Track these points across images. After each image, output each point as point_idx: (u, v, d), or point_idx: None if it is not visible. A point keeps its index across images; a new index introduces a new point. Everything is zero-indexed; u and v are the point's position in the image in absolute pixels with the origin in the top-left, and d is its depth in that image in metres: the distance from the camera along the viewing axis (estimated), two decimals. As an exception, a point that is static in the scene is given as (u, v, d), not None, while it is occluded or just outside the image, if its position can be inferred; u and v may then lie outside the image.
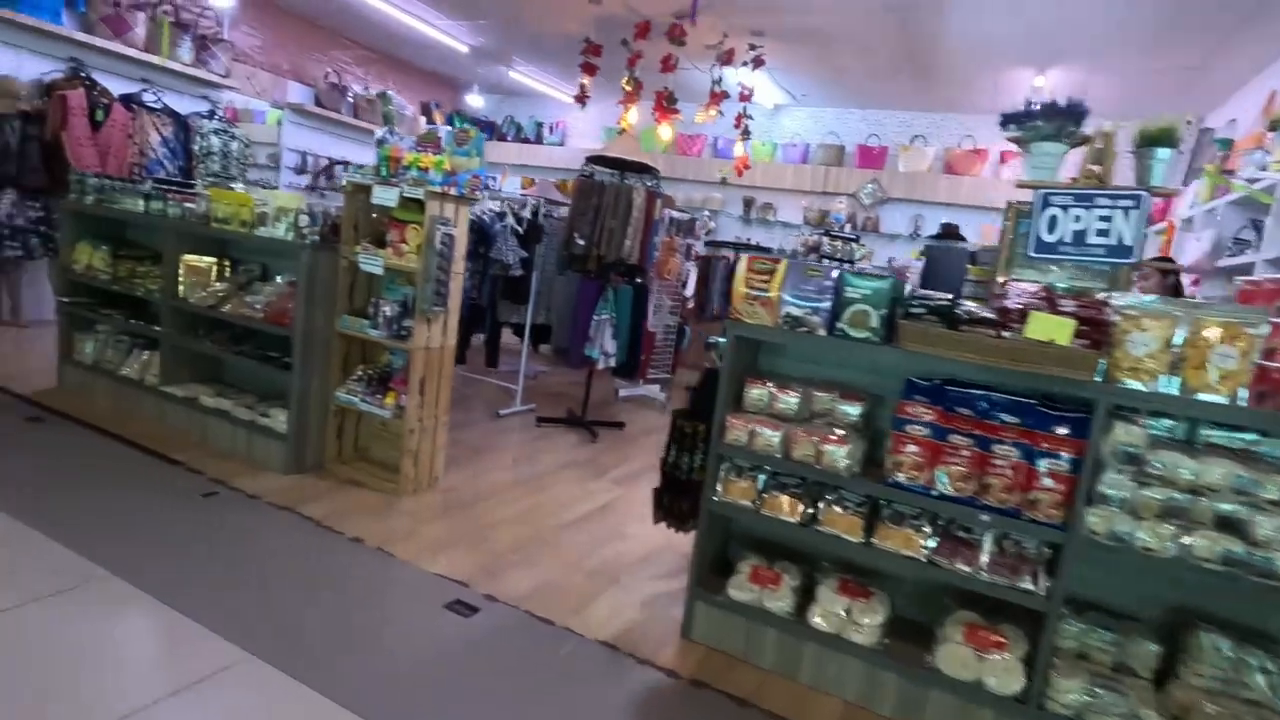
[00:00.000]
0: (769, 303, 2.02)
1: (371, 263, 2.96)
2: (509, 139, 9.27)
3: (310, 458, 3.16)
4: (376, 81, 8.00)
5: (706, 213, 7.82)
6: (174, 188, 3.52)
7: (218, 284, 3.33)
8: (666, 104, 5.33)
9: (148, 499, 2.66)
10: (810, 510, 2.04)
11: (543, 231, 4.66)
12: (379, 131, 3.02)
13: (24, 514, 2.36)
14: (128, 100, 5.42)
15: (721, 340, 2.16)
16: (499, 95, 9.36)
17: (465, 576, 2.42)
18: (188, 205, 3.32)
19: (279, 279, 3.33)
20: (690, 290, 5.62)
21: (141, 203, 3.45)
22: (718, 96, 5.50)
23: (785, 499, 2.06)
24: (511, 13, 5.94)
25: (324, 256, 3.01)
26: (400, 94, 8.41)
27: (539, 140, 9.12)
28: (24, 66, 5.02)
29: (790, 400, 2.08)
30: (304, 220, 2.95)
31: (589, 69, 5.45)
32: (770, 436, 2.02)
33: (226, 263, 3.43)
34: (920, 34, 5.13)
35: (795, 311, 1.98)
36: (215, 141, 6.05)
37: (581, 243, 4.16)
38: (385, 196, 2.90)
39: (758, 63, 5.48)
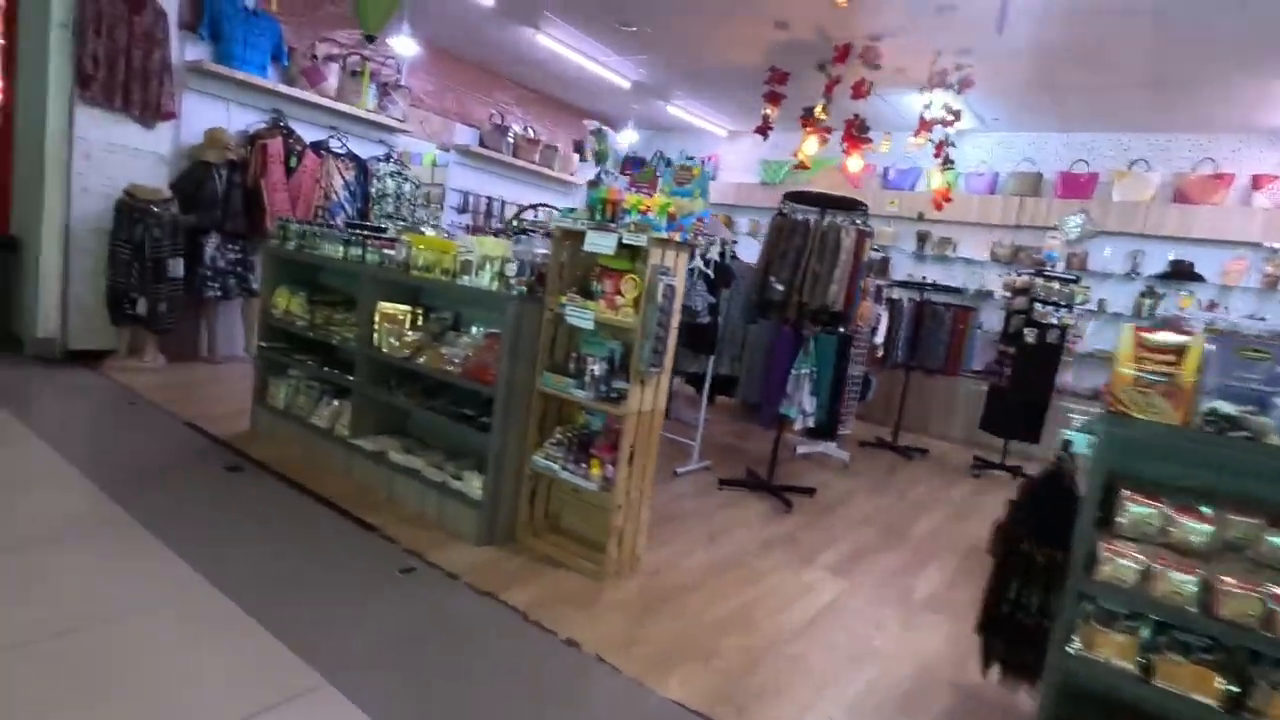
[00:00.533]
0: (1178, 393, 1.45)
1: (580, 316, 2.65)
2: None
3: (503, 527, 2.86)
4: (535, 121, 8.05)
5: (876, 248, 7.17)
6: (369, 232, 3.43)
7: (412, 333, 3.16)
8: (857, 133, 4.82)
9: (347, 575, 2.44)
10: (1236, 690, 1.43)
11: (732, 275, 4.27)
12: (593, 170, 2.73)
13: (240, 595, 2.17)
14: (317, 146, 5.63)
15: (1081, 436, 1.61)
16: (650, 130, 9.22)
17: (707, 707, 1.97)
18: (386, 252, 3.19)
19: (474, 330, 3.11)
20: (880, 337, 5.02)
21: (340, 248, 3.37)
22: (928, 123, 4.93)
23: (1192, 669, 1.46)
24: (687, 45, 5.69)
25: (529, 308, 2.74)
26: (554, 132, 8.45)
27: (689, 175, 8.85)
28: (232, 118, 5.31)
29: (1200, 529, 1.49)
30: (511, 269, 2.69)
31: (774, 99, 5.06)
32: (1181, 582, 1.44)
33: (419, 310, 3.27)
34: (1178, 39, 4.33)
35: (1228, 410, 1.40)
36: (390, 184, 6.19)
37: (780, 288, 3.71)
38: (601, 243, 2.58)
39: (965, 84, 4.87)
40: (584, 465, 2.70)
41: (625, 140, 8.36)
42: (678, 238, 2.51)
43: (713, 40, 5.48)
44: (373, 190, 6.08)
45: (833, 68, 4.62)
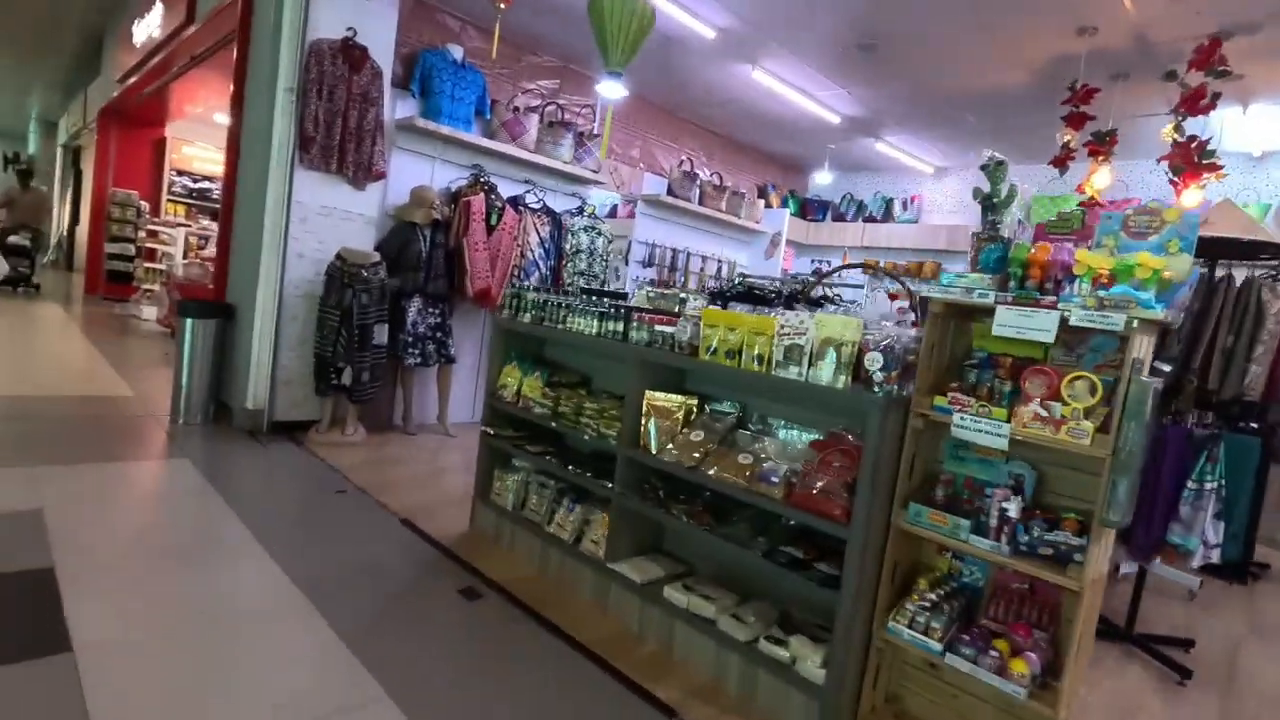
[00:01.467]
0: None
1: (986, 432, 1.81)
2: (848, 218, 8.20)
3: (844, 716, 2.02)
4: (718, 166, 7.47)
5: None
6: (622, 302, 2.80)
7: (691, 433, 2.45)
8: (1200, 159, 3.71)
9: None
10: None
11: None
12: (1006, 217, 1.92)
13: None
14: (514, 202, 5.27)
15: None
16: (841, 171, 8.38)
17: None
18: (661, 329, 2.53)
19: (783, 434, 2.35)
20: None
21: (594, 323, 2.76)
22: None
23: None
24: (927, 66, 4.86)
25: (894, 415, 1.94)
26: (737, 178, 7.83)
27: (886, 219, 7.90)
28: (435, 175, 5.05)
29: None
30: (875, 361, 1.91)
31: (1077, 121, 4.08)
32: None
33: (693, 402, 2.57)
34: None
35: None
36: (584, 239, 5.74)
37: (1167, 369, 2.69)
38: (1030, 326, 1.75)
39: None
40: (989, 650, 1.81)
41: (821, 181, 7.59)
42: (1167, 316, 1.62)
43: (966, 57, 4.61)
44: (566, 246, 5.64)
45: (1189, 75, 3.58)
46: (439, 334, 4.91)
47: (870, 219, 7.96)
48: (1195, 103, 3.67)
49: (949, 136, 6.47)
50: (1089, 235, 1.86)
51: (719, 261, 7.40)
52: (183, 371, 4.41)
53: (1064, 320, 1.71)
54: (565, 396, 2.90)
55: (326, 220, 4.50)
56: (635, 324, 2.62)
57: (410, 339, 4.76)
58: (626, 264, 6.66)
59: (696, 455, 2.36)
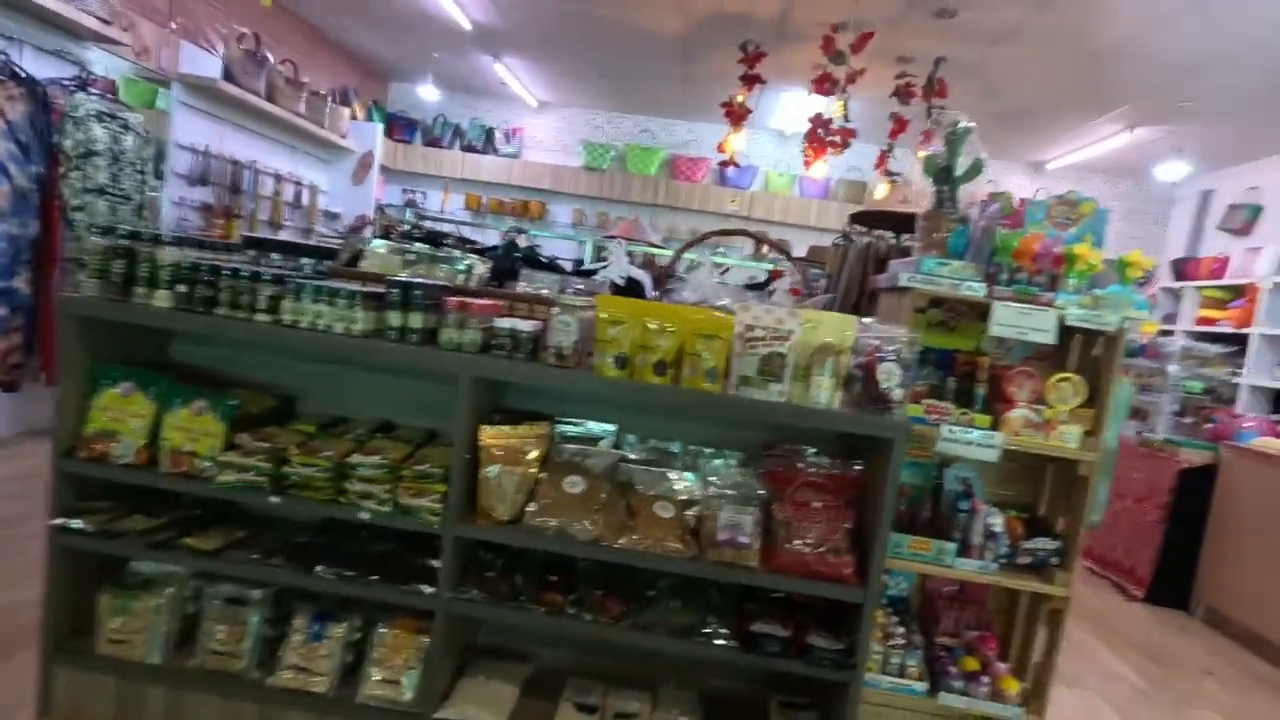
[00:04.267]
0: None
1: (975, 442, 1.59)
2: (443, 144, 7.23)
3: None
4: (289, 55, 5.54)
5: (721, 249, 6.82)
6: (414, 281, 1.66)
7: (562, 481, 1.60)
8: (824, 134, 4.25)
9: None
10: None
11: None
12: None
13: None
14: (-59, 48, 2.82)
15: None
16: (450, 91, 7.21)
17: None
18: (512, 325, 1.54)
19: (712, 461, 1.72)
20: None
21: (355, 315, 1.54)
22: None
23: None
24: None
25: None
26: (314, 77, 6.00)
27: (486, 149, 7.24)
28: None
29: None
30: (892, 376, 1.46)
31: (750, 83, 4.16)
32: None
33: (543, 429, 1.69)
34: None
35: None
36: (100, 133, 3.53)
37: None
38: (1030, 326, 1.56)
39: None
40: (979, 676, 1.66)
41: (426, 97, 6.41)
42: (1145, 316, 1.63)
43: None
44: (66, 143, 3.36)
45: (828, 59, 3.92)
46: None
47: (470, 148, 7.18)
48: (823, 84, 4.17)
49: (571, 71, 6.13)
50: (1019, 221, 1.76)
51: (298, 184, 5.63)
52: None
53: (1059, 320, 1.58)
54: (301, 447, 1.59)
55: None
56: (453, 317, 1.55)
57: None
58: (159, 178, 4.42)
59: (590, 522, 1.54)
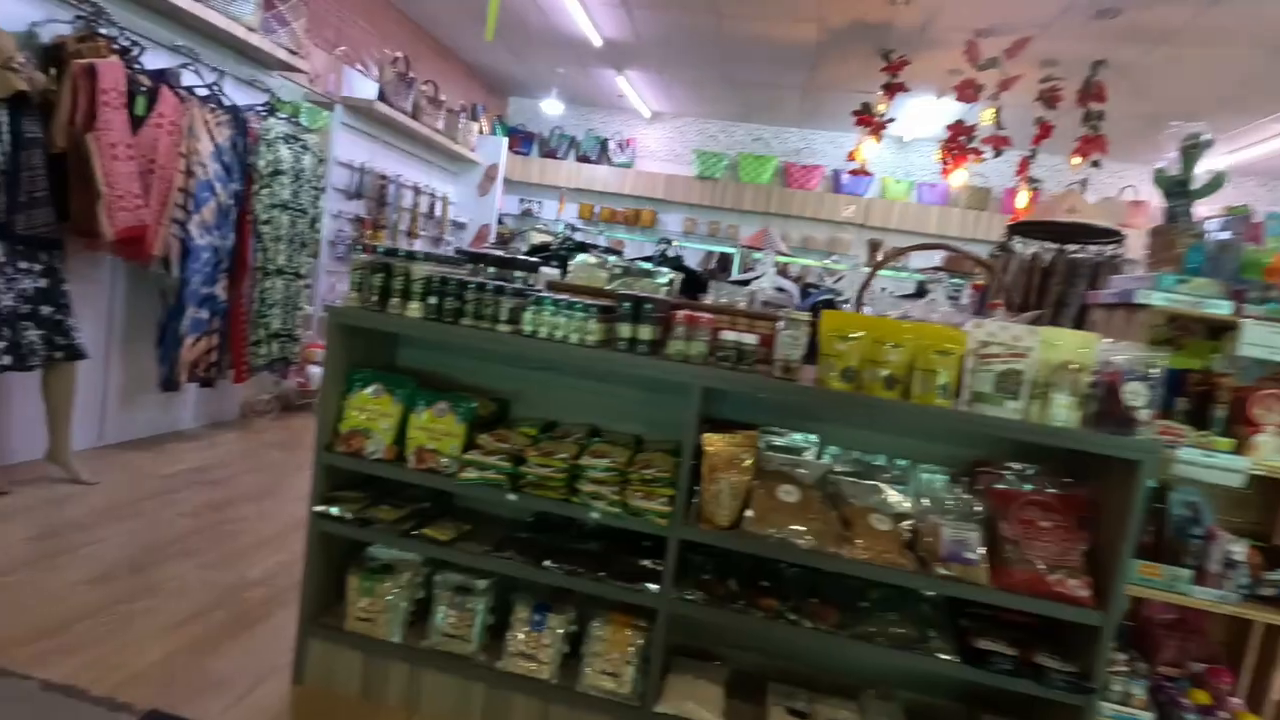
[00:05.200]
0: None
1: (1220, 468, 1.53)
2: (559, 155, 7.48)
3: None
4: (427, 74, 5.90)
5: (835, 257, 6.73)
6: (643, 296, 1.76)
7: (778, 489, 1.65)
8: (968, 141, 4.14)
9: None
10: None
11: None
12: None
13: None
14: (166, 81, 3.17)
15: None
16: (572, 105, 7.47)
17: None
18: (737, 337, 1.61)
19: (925, 476, 1.73)
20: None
21: (589, 327, 1.64)
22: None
23: None
24: (734, 3, 4.36)
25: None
26: (445, 92, 6.36)
27: (600, 160, 7.43)
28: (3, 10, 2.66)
29: None
30: (1138, 394, 1.43)
31: (892, 91, 4.13)
32: None
33: (754, 438, 1.74)
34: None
35: None
36: (285, 154, 3.87)
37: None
38: (1286, 346, 1.49)
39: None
40: (1214, 711, 1.59)
41: (550, 111, 6.66)
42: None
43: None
44: (259, 163, 3.71)
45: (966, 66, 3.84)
46: (45, 308, 2.71)
47: (584, 159, 7.40)
48: (966, 90, 4.07)
49: (690, 83, 6.21)
50: (1257, 236, 1.67)
51: (432, 196, 5.97)
52: None
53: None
54: (538, 448, 1.71)
55: None
56: (681, 330, 1.63)
57: (-16, 321, 2.50)
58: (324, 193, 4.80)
59: (806, 528, 1.58)
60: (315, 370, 4.51)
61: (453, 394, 1.80)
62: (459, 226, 6.51)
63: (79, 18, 2.88)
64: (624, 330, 1.65)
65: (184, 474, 3.23)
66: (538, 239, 7.35)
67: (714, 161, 7.07)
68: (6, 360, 2.58)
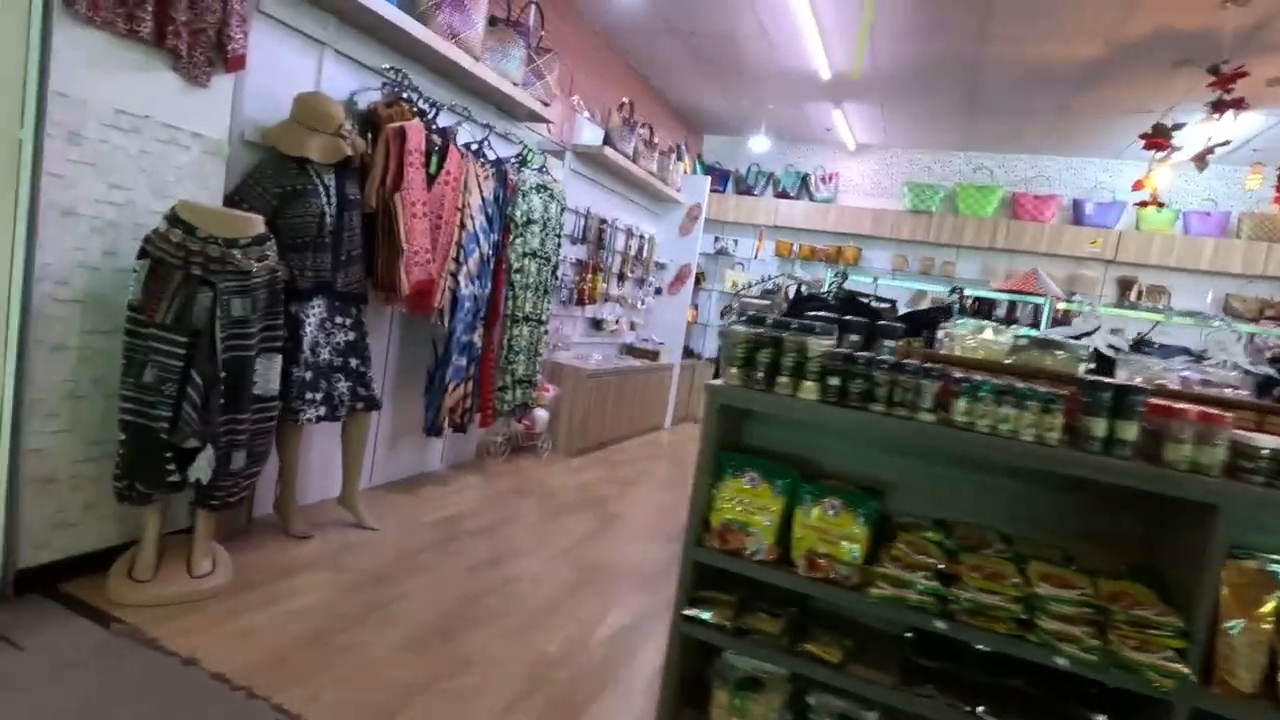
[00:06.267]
0: None
1: None
2: (756, 192, 7.29)
3: None
4: (640, 116, 5.94)
5: (1078, 296, 5.92)
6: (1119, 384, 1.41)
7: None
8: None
9: None
10: None
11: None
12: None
13: None
14: (453, 140, 3.28)
15: None
16: (743, 137, 7.37)
17: None
18: (1274, 445, 1.22)
19: None
20: None
21: (1040, 420, 1.31)
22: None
23: None
24: (1011, 24, 3.95)
25: None
26: (657, 132, 6.38)
27: (800, 195, 7.14)
28: (325, 79, 2.85)
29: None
30: None
31: (1223, 106, 3.51)
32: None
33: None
34: None
35: None
36: (536, 204, 3.92)
37: None
38: None
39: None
40: None
41: (757, 149, 6.52)
42: None
43: (1073, 16, 3.79)
44: (517, 214, 3.77)
45: None
46: (353, 360, 2.82)
47: (783, 194, 7.14)
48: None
49: (918, 111, 5.75)
50: None
51: (641, 237, 5.96)
52: None
53: None
54: (970, 566, 1.41)
55: (128, 141, 2.16)
56: (1189, 430, 1.26)
57: (308, 375, 2.62)
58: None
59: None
60: (541, 413, 4.53)
61: (845, 490, 1.54)
62: (659, 267, 6.46)
63: (386, 84, 3.05)
64: (1097, 427, 1.31)
65: (447, 522, 3.25)
66: (733, 278, 7.17)
67: (928, 194, 6.54)
68: (322, 411, 2.69)
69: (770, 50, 4.86)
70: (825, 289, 4.22)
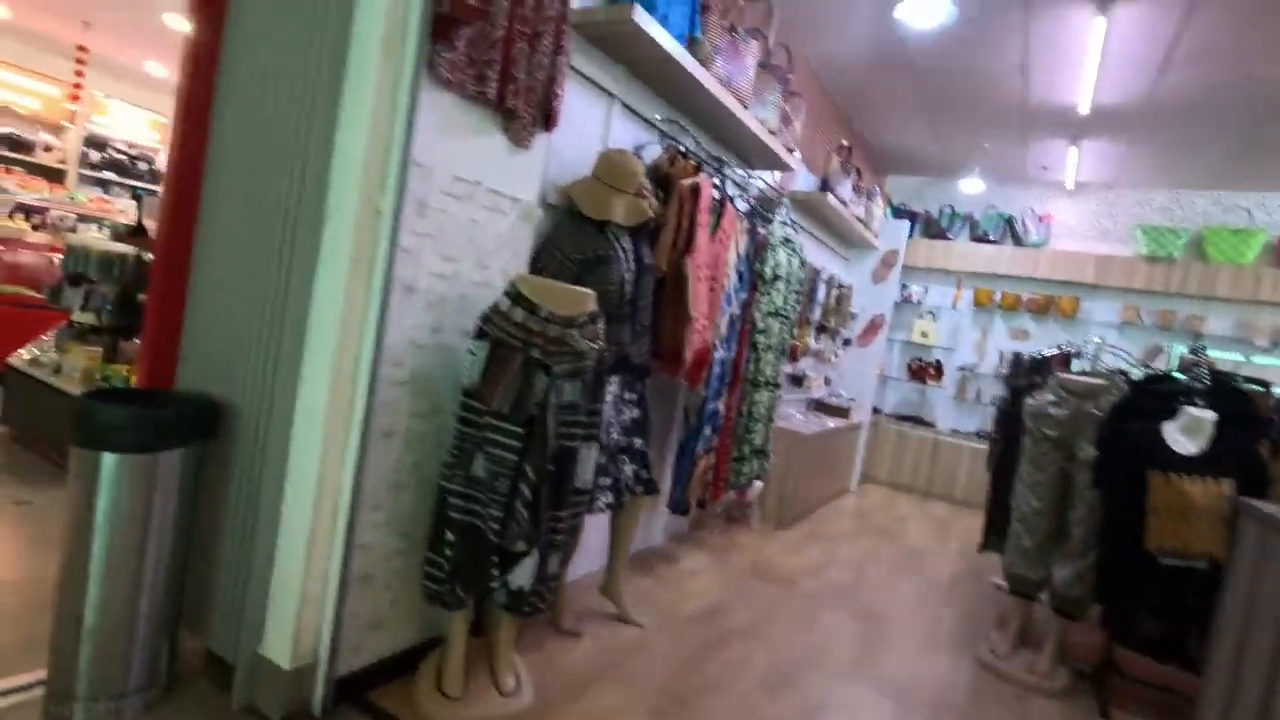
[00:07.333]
0: None
1: None
2: (950, 235, 6.70)
3: None
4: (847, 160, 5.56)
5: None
6: None
7: None
8: None
9: None
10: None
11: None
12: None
13: None
14: (728, 195, 3.00)
15: None
16: (935, 179, 6.83)
17: None
18: None
19: None
20: None
21: None
22: None
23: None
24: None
25: None
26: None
27: (1003, 240, 6.50)
28: (612, 131, 2.64)
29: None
30: None
31: None
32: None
33: None
34: None
35: None
36: (783, 258, 3.59)
37: None
38: None
39: None
40: None
41: (970, 190, 6.00)
42: None
43: None
44: (765, 270, 3.45)
45: None
46: (638, 440, 2.54)
47: (981, 238, 6.52)
48: None
49: (1181, 144, 4.99)
50: None
51: (840, 286, 5.53)
52: (85, 581, 1.66)
53: None
54: None
55: (461, 209, 1.98)
56: None
57: (603, 460, 2.35)
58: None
59: None
60: (758, 483, 4.15)
61: None
62: (851, 316, 6.00)
63: (663, 137, 2.83)
64: None
65: (707, 618, 2.89)
66: (921, 327, 6.58)
67: (1168, 238, 5.73)
68: (610, 499, 2.42)
69: (1024, 86, 4.36)
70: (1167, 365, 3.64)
